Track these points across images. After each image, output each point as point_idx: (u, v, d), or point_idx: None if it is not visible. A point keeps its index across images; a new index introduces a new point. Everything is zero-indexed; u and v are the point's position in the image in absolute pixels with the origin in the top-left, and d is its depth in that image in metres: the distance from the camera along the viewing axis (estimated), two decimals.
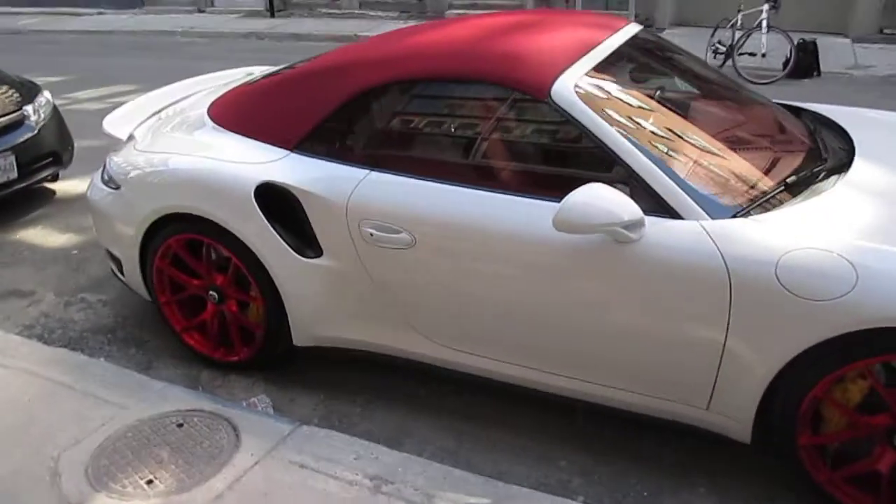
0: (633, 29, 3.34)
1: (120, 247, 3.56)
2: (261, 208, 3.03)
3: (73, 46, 13.37)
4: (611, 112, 2.70)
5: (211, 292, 3.34)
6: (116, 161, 3.58)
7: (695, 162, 2.69)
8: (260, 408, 3.21)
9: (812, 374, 2.38)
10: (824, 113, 3.47)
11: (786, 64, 9.11)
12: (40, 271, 4.59)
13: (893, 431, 2.37)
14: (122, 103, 4.18)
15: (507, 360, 2.86)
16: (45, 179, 5.65)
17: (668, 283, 2.48)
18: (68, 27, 15.30)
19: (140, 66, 11.12)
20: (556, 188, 2.67)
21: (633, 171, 2.56)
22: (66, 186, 5.93)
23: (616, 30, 3.23)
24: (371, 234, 2.88)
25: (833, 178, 2.79)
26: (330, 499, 2.51)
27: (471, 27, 3.28)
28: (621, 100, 2.84)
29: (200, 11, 16.27)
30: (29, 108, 5.43)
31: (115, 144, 3.76)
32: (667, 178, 2.54)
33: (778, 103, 3.51)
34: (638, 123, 2.74)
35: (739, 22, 9.47)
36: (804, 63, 9.13)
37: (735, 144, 2.89)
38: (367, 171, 2.95)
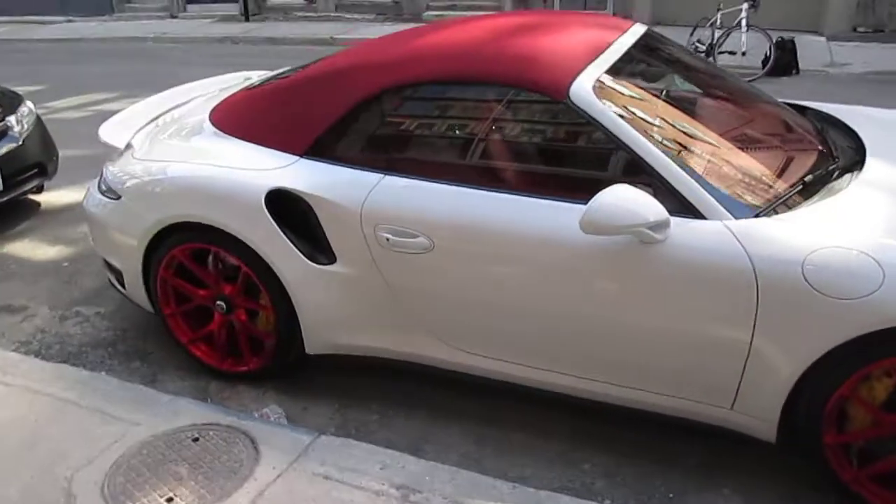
0: (640, 29, 3.33)
1: (121, 258, 3.48)
2: (271, 215, 2.98)
3: (44, 55, 13.14)
4: (629, 112, 2.69)
5: (219, 302, 3.27)
6: (114, 170, 3.50)
7: (714, 161, 2.69)
8: (272, 418, 3.15)
9: (839, 372, 2.38)
10: (829, 111, 3.49)
11: (765, 62, 9.23)
12: (31, 285, 4.48)
13: None
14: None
15: (528, 363, 2.83)
16: (31, 191, 5.52)
17: (694, 283, 2.48)
18: (37, 35, 15.06)
19: (113, 73, 10.96)
20: (574, 189, 2.67)
21: (655, 172, 2.55)
22: (51, 198, 5.80)
23: (624, 30, 3.23)
24: (387, 239, 2.84)
25: (846, 176, 2.81)
26: None
27: (479, 29, 3.25)
28: (638, 100, 2.83)
29: (173, 17, 16.09)
30: (12, 119, 5.30)
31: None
32: (689, 178, 2.53)
33: (784, 102, 3.53)
34: (656, 123, 2.73)
35: (719, 21, 9.56)
36: (783, 61, 9.25)
37: (750, 144, 2.90)
38: (380, 176, 2.91)
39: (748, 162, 2.78)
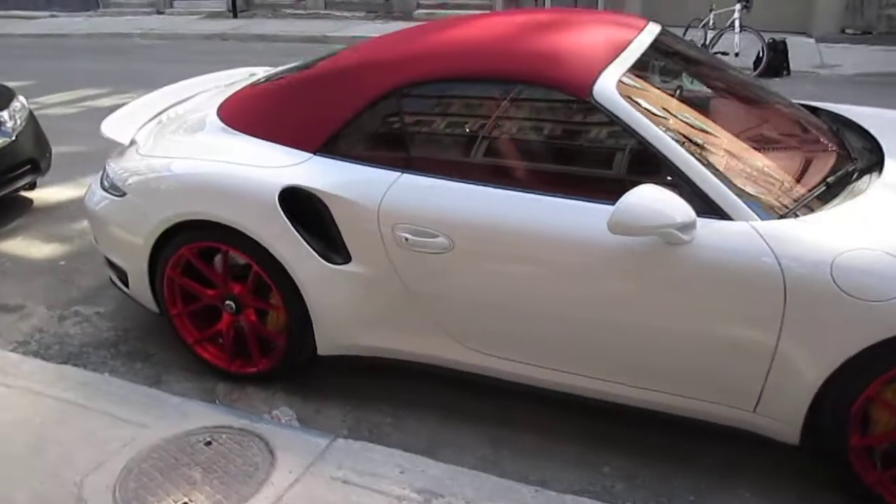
0: (656, 28, 3.31)
1: (125, 257, 3.40)
2: (284, 214, 2.92)
3: (30, 50, 12.93)
4: (652, 111, 2.66)
5: (227, 302, 3.20)
6: (119, 167, 3.41)
7: (737, 162, 2.66)
8: (283, 420, 3.09)
9: (865, 375, 2.37)
10: (841, 112, 3.48)
11: (757, 63, 9.25)
12: (26, 284, 4.38)
13: None
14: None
15: (548, 365, 2.79)
16: (23, 188, 5.40)
17: (720, 284, 2.45)
18: (21, 31, 14.79)
19: (100, 69, 10.80)
20: (596, 189, 2.64)
21: (680, 171, 2.52)
22: (44, 195, 5.68)
23: (640, 29, 3.20)
24: (406, 239, 2.79)
25: (866, 178, 2.79)
26: None
27: (494, 26, 3.21)
28: (660, 99, 2.80)
29: (159, 13, 15.89)
30: (4, 114, 5.17)
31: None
32: (714, 179, 2.50)
33: (798, 104, 3.52)
34: (678, 123, 2.70)
35: (712, 21, 9.58)
36: (775, 62, 9.28)
37: (770, 144, 2.88)
38: (398, 174, 2.86)
39: (770, 163, 2.76)
